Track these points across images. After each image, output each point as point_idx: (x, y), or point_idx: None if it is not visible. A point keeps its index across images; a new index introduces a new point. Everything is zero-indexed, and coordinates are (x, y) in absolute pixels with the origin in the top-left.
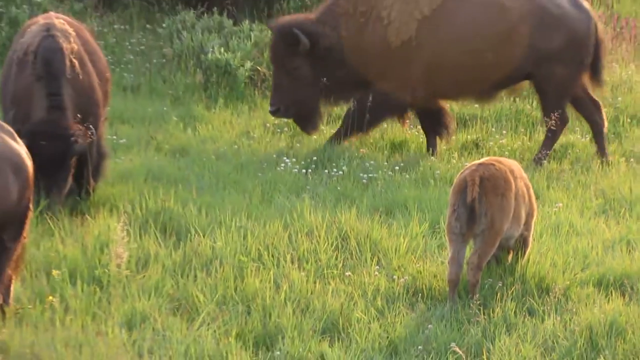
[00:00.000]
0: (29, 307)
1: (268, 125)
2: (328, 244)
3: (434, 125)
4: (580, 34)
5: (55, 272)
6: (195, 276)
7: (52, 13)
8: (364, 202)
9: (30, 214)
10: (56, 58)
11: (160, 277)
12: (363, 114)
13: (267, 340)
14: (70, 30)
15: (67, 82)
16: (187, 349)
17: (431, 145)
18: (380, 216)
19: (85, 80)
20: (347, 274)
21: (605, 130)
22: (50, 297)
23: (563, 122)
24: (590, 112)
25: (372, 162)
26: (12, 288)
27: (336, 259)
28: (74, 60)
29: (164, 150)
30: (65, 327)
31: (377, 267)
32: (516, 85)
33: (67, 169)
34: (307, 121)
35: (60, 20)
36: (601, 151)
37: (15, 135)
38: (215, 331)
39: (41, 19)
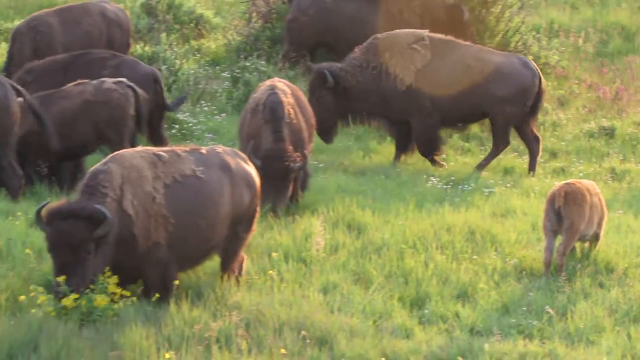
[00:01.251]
0: (256, 277)
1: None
2: (461, 236)
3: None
4: (525, 85)
5: (274, 254)
6: (370, 258)
7: (275, 78)
8: (486, 208)
9: (257, 214)
10: (278, 108)
11: (346, 258)
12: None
13: (419, 302)
14: (288, 90)
15: (285, 124)
16: (364, 307)
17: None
18: (496, 218)
19: (297, 124)
20: (474, 257)
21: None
22: (270, 271)
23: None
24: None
25: (491, 180)
26: (244, 265)
27: (466, 247)
28: (290, 110)
29: (349, 172)
30: (281, 292)
31: (495, 253)
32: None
33: (288, 182)
34: (326, 134)
35: (281, 83)
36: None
37: (248, 160)
38: (383, 296)
39: (268, 82)
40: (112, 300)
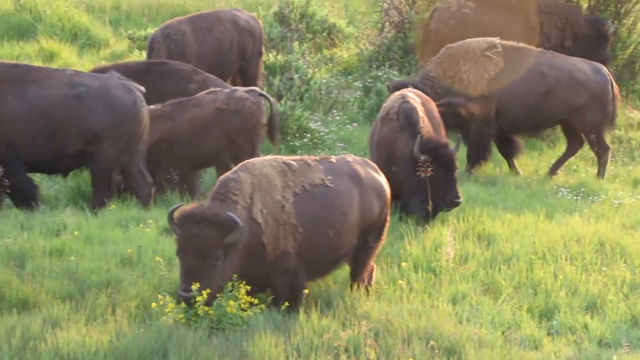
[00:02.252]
0: (385, 287)
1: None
2: (591, 248)
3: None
4: (599, 92)
5: (404, 264)
6: (499, 268)
7: (407, 88)
8: (616, 219)
9: (387, 224)
10: (413, 113)
11: (475, 268)
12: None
13: (548, 313)
14: (418, 99)
15: (420, 129)
16: (493, 318)
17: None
18: (626, 229)
19: (428, 132)
20: (603, 269)
21: None
22: (400, 281)
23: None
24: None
25: (621, 192)
26: (374, 274)
27: (596, 258)
28: (423, 118)
29: (479, 182)
30: (410, 302)
31: (624, 264)
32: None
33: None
34: None
35: (411, 92)
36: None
37: (378, 169)
38: (512, 306)
39: (398, 92)
40: (242, 309)
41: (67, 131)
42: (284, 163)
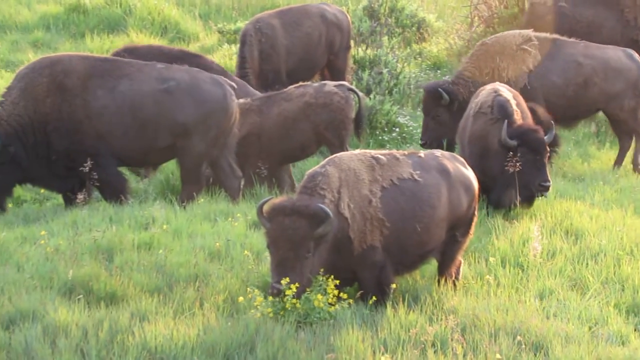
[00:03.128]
0: (472, 282)
1: None
2: None
3: None
4: (634, 78)
5: (491, 259)
6: (587, 264)
7: (497, 83)
8: None
9: (475, 219)
10: (507, 106)
11: (562, 264)
12: None
13: (635, 309)
14: (510, 93)
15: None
16: (580, 314)
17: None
18: None
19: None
20: None
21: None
22: (487, 276)
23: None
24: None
25: None
26: (461, 269)
27: None
28: (516, 109)
29: (567, 177)
30: (497, 297)
31: None
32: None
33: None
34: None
35: (503, 87)
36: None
37: (466, 164)
38: (599, 302)
39: (489, 86)
40: (329, 303)
41: (156, 125)
42: (372, 157)
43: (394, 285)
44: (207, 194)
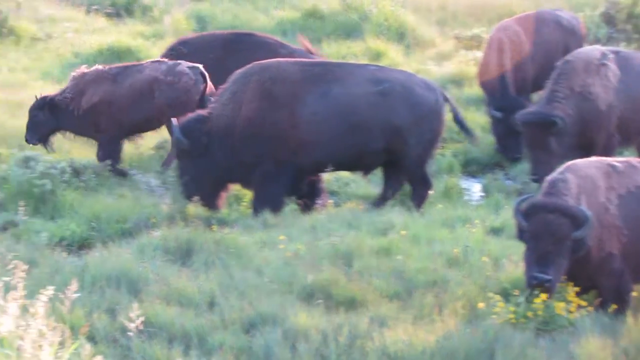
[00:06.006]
0: None
1: None
2: None
3: None
4: None
5: None
6: None
7: None
8: None
9: None
10: None
11: None
12: None
13: None
14: None
15: None
16: None
17: None
18: None
19: None
20: None
21: None
22: None
23: None
24: None
25: None
26: None
27: None
28: None
29: None
30: None
31: None
32: None
33: None
34: None
35: None
36: None
37: None
38: None
39: None
40: (569, 310)
41: (370, 128)
42: (609, 165)
43: (634, 294)
44: (445, 200)
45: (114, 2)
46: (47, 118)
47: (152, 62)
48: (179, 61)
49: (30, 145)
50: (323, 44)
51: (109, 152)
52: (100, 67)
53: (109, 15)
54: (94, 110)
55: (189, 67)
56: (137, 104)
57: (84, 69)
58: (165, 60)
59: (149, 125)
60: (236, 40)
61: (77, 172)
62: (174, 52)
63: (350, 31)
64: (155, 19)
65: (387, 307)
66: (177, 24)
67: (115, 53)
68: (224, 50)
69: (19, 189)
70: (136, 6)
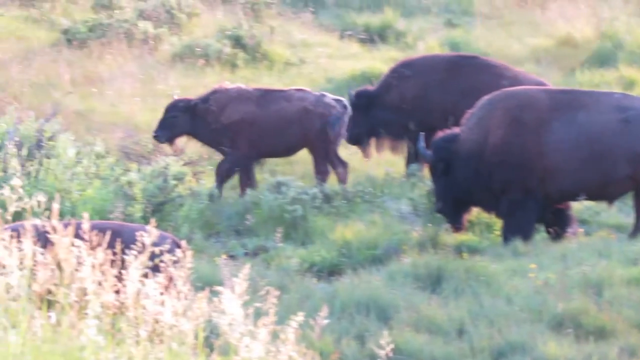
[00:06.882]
0: None
1: None
2: None
3: None
4: None
5: None
6: None
7: None
8: None
9: None
10: None
11: None
12: None
13: None
14: None
15: None
16: None
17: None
18: None
19: None
20: None
21: None
22: None
23: None
24: None
25: None
26: None
27: None
28: None
29: None
30: None
31: None
32: None
33: None
34: None
35: None
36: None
37: None
38: None
39: None
40: None
41: (614, 156)
42: None
43: None
44: None
45: (368, 27)
46: (185, 121)
47: (297, 90)
48: (323, 92)
49: (159, 143)
50: (576, 72)
51: (232, 168)
52: (243, 86)
53: (362, 41)
54: (232, 127)
55: (335, 100)
56: (282, 131)
57: (227, 84)
58: (309, 89)
59: (286, 152)
60: (459, 62)
61: (328, 198)
62: (396, 75)
63: (603, 59)
64: (409, 45)
65: (637, 337)
66: (431, 50)
67: (368, 79)
68: (446, 73)
69: (270, 214)
70: (390, 32)
